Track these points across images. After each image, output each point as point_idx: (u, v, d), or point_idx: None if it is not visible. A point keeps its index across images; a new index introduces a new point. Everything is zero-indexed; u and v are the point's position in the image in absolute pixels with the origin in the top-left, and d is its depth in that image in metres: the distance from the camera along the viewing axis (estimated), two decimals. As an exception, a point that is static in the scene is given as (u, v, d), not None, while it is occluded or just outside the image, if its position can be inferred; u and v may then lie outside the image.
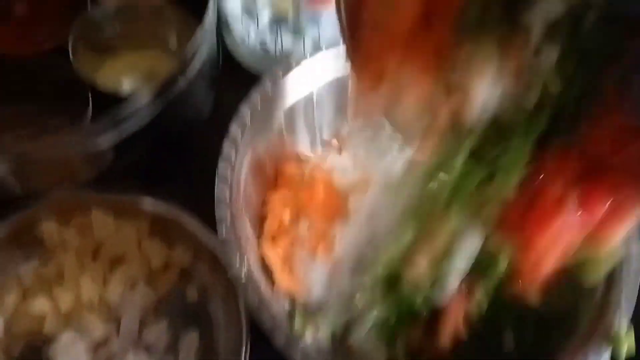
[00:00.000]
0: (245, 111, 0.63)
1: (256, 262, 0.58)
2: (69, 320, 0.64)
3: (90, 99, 0.70)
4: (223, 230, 0.55)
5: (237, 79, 0.84)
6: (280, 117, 0.67)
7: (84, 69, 0.73)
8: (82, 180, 0.69)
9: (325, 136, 0.73)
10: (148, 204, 0.68)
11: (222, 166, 0.59)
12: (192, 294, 0.68)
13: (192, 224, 0.67)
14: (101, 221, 0.68)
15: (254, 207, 0.64)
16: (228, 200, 0.57)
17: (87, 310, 0.64)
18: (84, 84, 0.70)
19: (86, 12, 0.76)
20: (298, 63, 0.66)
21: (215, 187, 0.57)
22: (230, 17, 0.81)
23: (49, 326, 0.63)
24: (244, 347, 0.61)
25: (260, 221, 0.65)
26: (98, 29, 0.78)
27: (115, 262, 0.68)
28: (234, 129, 0.61)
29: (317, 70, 0.68)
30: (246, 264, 0.54)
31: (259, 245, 0.63)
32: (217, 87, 0.80)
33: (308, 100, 0.69)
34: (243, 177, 0.61)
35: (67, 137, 0.62)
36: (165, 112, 0.67)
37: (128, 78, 0.81)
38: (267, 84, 0.65)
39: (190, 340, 0.66)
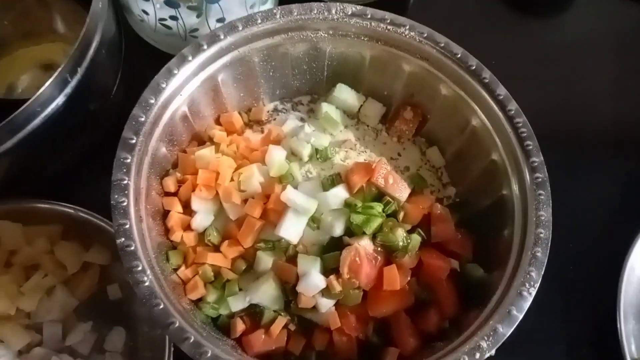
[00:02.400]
0: (138, 112, 0.60)
1: (160, 263, 0.58)
2: (-13, 333, 0.63)
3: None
4: (121, 239, 0.54)
5: (149, 60, 0.81)
6: (182, 106, 0.65)
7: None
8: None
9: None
10: (57, 208, 0.67)
11: (116, 175, 0.57)
12: (114, 292, 0.68)
13: (104, 224, 0.66)
14: (9, 231, 0.66)
15: (157, 202, 0.63)
16: (124, 207, 0.56)
17: (5, 321, 0.64)
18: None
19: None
20: (204, 45, 0.63)
21: (111, 197, 0.56)
22: (125, -4, 0.76)
23: (-34, 342, 0.62)
24: (167, 339, 0.61)
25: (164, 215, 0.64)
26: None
27: (30, 269, 0.67)
28: (128, 133, 0.59)
29: (220, 52, 0.66)
30: (146, 267, 0.54)
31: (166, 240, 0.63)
32: (123, 67, 0.76)
33: (213, 82, 0.67)
34: (144, 177, 0.60)
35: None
36: (64, 106, 0.64)
37: (25, 76, 0.77)
38: (160, 76, 0.62)
39: (117, 338, 0.66)
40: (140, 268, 0.54)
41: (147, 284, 0.53)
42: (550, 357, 0.71)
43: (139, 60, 0.81)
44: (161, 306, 0.52)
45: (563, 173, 0.66)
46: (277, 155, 0.64)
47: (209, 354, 0.51)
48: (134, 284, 0.53)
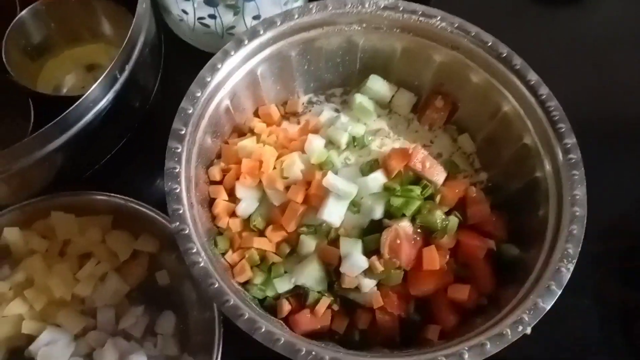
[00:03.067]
0: (186, 104, 0.63)
1: (209, 247, 0.61)
2: (45, 318, 0.67)
3: (31, 106, 0.69)
4: (176, 223, 0.58)
5: (185, 58, 0.85)
6: (225, 99, 0.68)
7: (23, 77, 0.72)
8: (38, 187, 0.70)
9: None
10: (108, 199, 0.70)
11: (169, 164, 0.60)
12: (163, 278, 0.72)
13: (153, 213, 0.69)
14: (63, 222, 0.70)
15: (204, 190, 0.66)
16: (178, 194, 0.59)
17: (62, 307, 0.67)
18: (23, 92, 0.70)
19: (15, 16, 0.74)
20: (245, 41, 0.67)
21: (165, 184, 0.59)
22: (165, -2, 0.80)
23: (27, 327, 0.66)
24: (217, 322, 0.64)
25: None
26: (31, 31, 0.77)
27: (83, 258, 0.71)
28: (178, 124, 0.62)
29: (259, 47, 0.69)
30: (200, 249, 0.57)
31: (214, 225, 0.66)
32: (163, 69, 0.80)
33: (253, 76, 0.70)
34: (193, 166, 0.63)
35: (13, 150, 0.62)
36: (112, 104, 0.68)
37: (70, 76, 0.81)
38: (205, 70, 0.65)
39: (167, 321, 0.70)
40: (195, 250, 0.57)
41: (202, 264, 0.56)
42: (582, 333, 0.73)
43: (177, 59, 0.84)
44: (216, 285, 0.55)
45: (594, 156, 0.68)
46: (316, 143, 0.67)
47: (262, 329, 0.54)
48: (190, 265, 0.56)
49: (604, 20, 0.95)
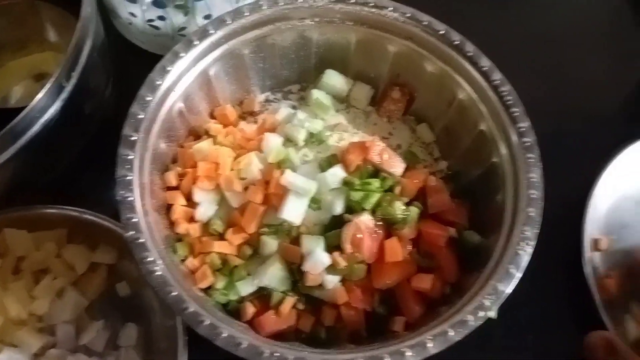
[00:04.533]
0: (136, 109, 0.62)
1: (167, 254, 0.59)
2: (1, 339, 0.65)
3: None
4: (130, 232, 0.56)
5: (137, 62, 0.83)
6: (177, 102, 0.66)
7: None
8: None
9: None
10: (61, 212, 0.68)
11: (120, 172, 0.59)
12: (123, 289, 0.70)
13: (110, 224, 0.67)
14: (16, 238, 0.67)
15: (160, 196, 0.65)
16: (131, 202, 0.57)
17: (18, 326, 0.65)
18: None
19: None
20: (195, 41, 0.65)
21: (117, 193, 0.57)
22: (112, 1, 0.78)
23: (-17, 349, 0.63)
24: (180, 329, 0.63)
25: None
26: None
27: (39, 274, 0.68)
28: (128, 130, 0.60)
29: (210, 46, 0.67)
30: (156, 257, 0.55)
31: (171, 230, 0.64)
32: (114, 70, 0.78)
33: (205, 77, 0.69)
34: (147, 173, 0.61)
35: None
36: (61, 113, 0.65)
37: (18, 87, 0.78)
38: (155, 73, 0.64)
39: (129, 333, 0.68)
40: (151, 258, 0.55)
41: (159, 272, 0.55)
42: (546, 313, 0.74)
43: (128, 62, 0.82)
44: (175, 293, 0.54)
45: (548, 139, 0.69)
46: (273, 142, 0.66)
47: (224, 334, 0.53)
48: (146, 274, 0.55)
49: (558, 6, 0.97)
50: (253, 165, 0.64)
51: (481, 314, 0.55)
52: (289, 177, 0.62)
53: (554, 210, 0.69)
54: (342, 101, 0.77)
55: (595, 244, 0.76)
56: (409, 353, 0.53)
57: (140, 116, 0.61)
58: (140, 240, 0.56)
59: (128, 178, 0.59)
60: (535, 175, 0.61)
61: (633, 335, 0.72)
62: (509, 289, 0.56)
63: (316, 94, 0.74)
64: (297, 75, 0.77)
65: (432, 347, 0.53)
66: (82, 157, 0.75)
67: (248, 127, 0.73)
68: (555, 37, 0.94)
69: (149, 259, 0.55)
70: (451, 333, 0.54)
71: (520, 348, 0.73)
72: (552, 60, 0.91)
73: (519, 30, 0.94)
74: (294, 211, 0.62)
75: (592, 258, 0.75)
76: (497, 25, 0.93)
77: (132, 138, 0.60)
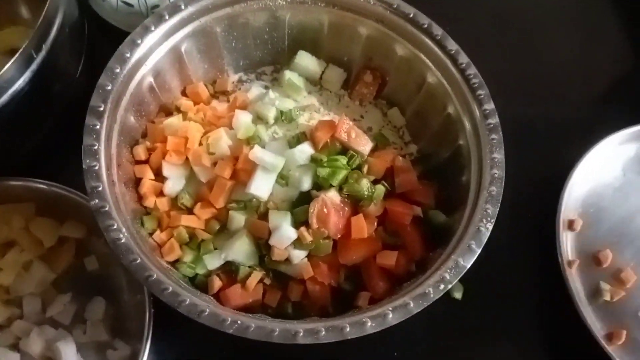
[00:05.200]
0: (105, 80, 0.62)
1: (134, 226, 0.60)
2: (-34, 310, 0.64)
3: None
4: (95, 201, 0.56)
5: (110, 40, 0.82)
6: (147, 76, 0.67)
7: None
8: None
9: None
10: (30, 185, 0.67)
11: (86, 141, 0.59)
12: (91, 263, 0.70)
13: (79, 198, 0.67)
14: (-18, 210, 0.67)
15: (129, 170, 0.65)
16: (96, 171, 0.58)
17: (-16, 298, 0.65)
18: None
19: None
20: (166, 16, 0.65)
21: (83, 162, 0.58)
22: (85, -23, 0.78)
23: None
24: (147, 304, 0.63)
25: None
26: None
27: (6, 247, 0.68)
28: (96, 101, 0.60)
29: (181, 22, 0.67)
30: (121, 226, 0.56)
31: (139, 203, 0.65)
32: (86, 49, 0.78)
33: (177, 53, 0.69)
34: (114, 144, 0.61)
35: None
36: (30, 85, 0.65)
37: (-14, 59, 0.77)
38: (125, 46, 0.64)
39: (96, 307, 0.67)
40: (115, 227, 0.55)
41: (123, 240, 0.55)
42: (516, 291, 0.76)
43: (102, 41, 0.82)
44: (138, 260, 0.54)
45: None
46: (243, 118, 0.67)
47: (186, 302, 0.53)
48: (110, 242, 0.55)
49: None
50: (222, 140, 0.65)
51: (441, 287, 0.56)
52: (257, 152, 0.63)
53: (532, 191, 0.71)
54: (315, 84, 0.77)
55: (570, 225, 0.78)
56: (369, 323, 0.54)
57: (108, 87, 0.61)
58: (105, 209, 0.56)
59: (94, 148, 0.59)
60: (498, 155, 0.63)
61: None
62: (469, 263, 0.58)
63: (289, 74, 0.74)
64: (270, 57, 0.77)
65: (392, 318, 0.54)
66: (53, 135, 0.75)
67: (220, 106, 0.73)
68: (527, 19, 0.94)
69: (113, 227, 0.55)
70: (411, 304, 0.55)
71: (486, 328, 0.74)
72: (523, 43, 0.92)
73: (490, 12, 0.94)
74: (262, 186, 0.63)
75: (565, 237, 0.76)
76: (468, 7, 0.93)
77: (100, 108, 0.60)
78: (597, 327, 0.72)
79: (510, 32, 0.92)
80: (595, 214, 0.79)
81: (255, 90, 0.73)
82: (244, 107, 0.70)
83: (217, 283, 0.62)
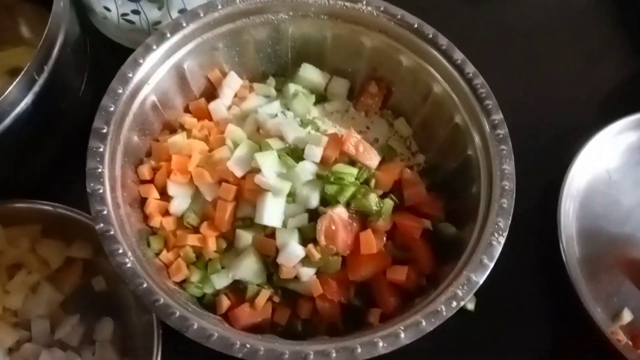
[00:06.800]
0: (107, 102, 0.61)
1: (140, 248, 0.59)
2: (-25, 334, 0.64)
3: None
4: (100, 225, 0.56)
5: (114, 57, 0.82)
6: (150, 95, 0.66)
7: None
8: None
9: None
10: (36, 207, 0.67)
11: (90, 164, 0.58)
12: (99, 284, 0.69)
13: (85, 218, 0.67)
14: (-11, 233, 0.67)
15: (134, 190, 0.64)
16: (101, 195, 0.57)
17: (-8, 322, 0.64)
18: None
19: None
20: (167, 34, 0.65)
21: (87, 185, 0.57)
22: (86, -4, 0.77)
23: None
24: (155, 324, 0.62)
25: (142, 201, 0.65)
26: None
27: (13, 269, 0.67)
28: (98, 123, 0.60)
29: (184, 40, 0.67)
30: (126, 249, 0.55)
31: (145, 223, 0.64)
32: (89, 67, 0.77)
33: (179, 70, 0.68)
34: (118, 166, 0.61)
35: None
36: (33, 106, 0.65)
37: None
38: (127, 66, 0.63)
39: (105, 328, 0.67)
40: (121, 251, 0.55)
41: (129, 265, 0.54)
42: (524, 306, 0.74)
43: (105, 58, 0.82)
44: (145, 285, 0.54)
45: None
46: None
47: (194, 326, 0.53)
48: (116, 267, 0.54)
49: (531, 1, 0.97)
50: (225, 157, 0.64)
51: (454, 304, 0.55)
52: (262, 177, 0.61)
53: (529, 200, 0.69)
54: (320, 95, 0.77)
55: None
56: (381, 343, 0.53)
57: (111, 109, 0.61)
58: (110, 233, 0.55)
59: (98, 171, 0.58)
60: (509, 166, 0.62)
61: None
62: (481, 279, 0.56)
63: (293, 87, 0.74)
64: (274, 70, 0.77)
65: (405, 338, 0.53)
66: (59, 155, 0.74)
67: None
68: (529, 31, 0.94)
69: (119, 252, 0.55)
70: (424, 323, 0.54)
71: (499, 340, 0.73)
72: (526, 55, 0.91)
73: (494, 24, 0.94)
74: (273, 214, 0.61)
75: (568, 243, 0.75)
76: (472, 19, 0.93)
77: (103, 130, 0.60)
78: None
79: (513, 44, 0.92)
80: (595, 220, 0.79)
81: (256, 100, 0.72)
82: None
83: (225, 302, 0.62)
